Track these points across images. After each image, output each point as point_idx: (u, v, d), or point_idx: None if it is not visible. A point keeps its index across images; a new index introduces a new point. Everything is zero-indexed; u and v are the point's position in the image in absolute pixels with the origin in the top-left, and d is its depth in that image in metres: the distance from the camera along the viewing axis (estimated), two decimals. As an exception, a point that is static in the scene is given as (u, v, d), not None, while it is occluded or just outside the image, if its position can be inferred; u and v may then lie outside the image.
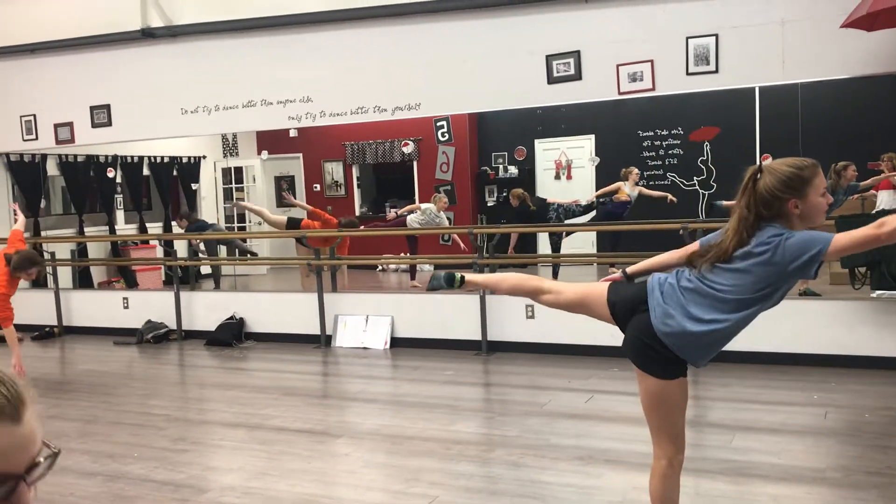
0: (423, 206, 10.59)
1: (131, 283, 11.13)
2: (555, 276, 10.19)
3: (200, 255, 11.21)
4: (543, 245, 11.88)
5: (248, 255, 11.43)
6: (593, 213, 10.33)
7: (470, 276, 3.19)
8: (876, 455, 4.14)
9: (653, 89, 6.42)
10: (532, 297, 3.09)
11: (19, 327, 8.92)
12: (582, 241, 11.90)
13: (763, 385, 5.62)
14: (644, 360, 2.76)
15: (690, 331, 2.64)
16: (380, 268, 12.61)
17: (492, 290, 3.15)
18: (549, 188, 12.93)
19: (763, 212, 2.56)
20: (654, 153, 12.15)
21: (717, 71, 6.20)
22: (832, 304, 6.20)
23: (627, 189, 10.28)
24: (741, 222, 2.59)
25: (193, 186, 13.13)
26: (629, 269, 2.97)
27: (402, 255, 11.14)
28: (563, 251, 10.42)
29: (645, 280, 2.83)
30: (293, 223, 9.21)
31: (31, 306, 9.21)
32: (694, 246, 2.85)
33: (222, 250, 11.95)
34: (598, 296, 2.88)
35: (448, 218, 11.13)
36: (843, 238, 2.48)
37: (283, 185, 9.78)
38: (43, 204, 11.16)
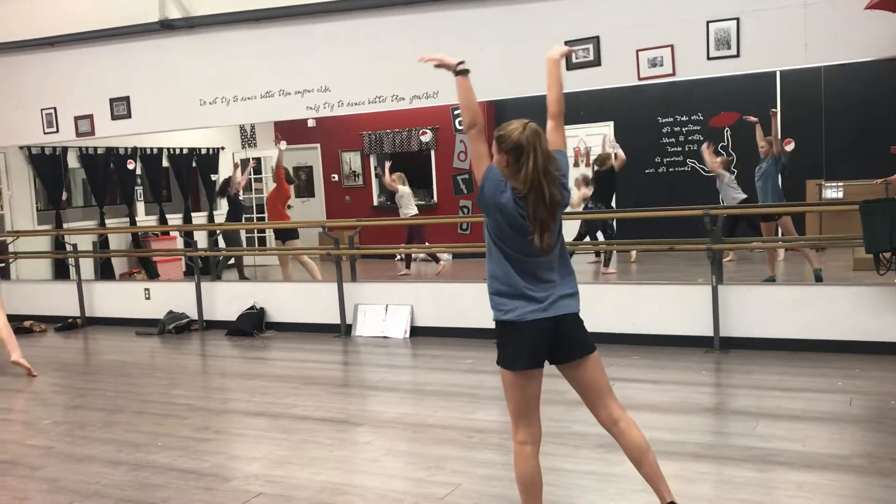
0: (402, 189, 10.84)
1: (152, 274, 11.21)
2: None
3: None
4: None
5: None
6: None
7: None
8: (902, 442, 4.10)
9: (673, 75, 6.36)
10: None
11: (42, 318, 9.08)
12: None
13: (786, 372, 5.57)
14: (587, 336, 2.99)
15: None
16: (398, 257, 12.60)
17: None
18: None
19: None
20: (673, 139, 12.06)
21: (738, 55, 6.13)
22: (856, 290, 6.13)
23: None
24: None
25: (213, 177, 13.20)
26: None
27: (424, 244, 11.16)
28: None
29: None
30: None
31: (54, 298, 9.31)
32: None
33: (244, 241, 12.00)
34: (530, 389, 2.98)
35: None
36: None
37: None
38: (64, 196, 11.26)
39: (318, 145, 14.00)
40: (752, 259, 10.25)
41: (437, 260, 10.71)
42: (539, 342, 2.88)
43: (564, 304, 2.91)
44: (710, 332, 6.26)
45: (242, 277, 11.03)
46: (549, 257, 2.87)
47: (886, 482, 3.59)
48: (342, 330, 7.71)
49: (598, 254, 10.57)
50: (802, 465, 3.83)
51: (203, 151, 13.07)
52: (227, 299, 8.43)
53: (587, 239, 10.37)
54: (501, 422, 4.87)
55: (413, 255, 11.27)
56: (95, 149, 11.29)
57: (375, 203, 13.79)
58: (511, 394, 2.97)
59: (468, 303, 7.35)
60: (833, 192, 10.55)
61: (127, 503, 3.80)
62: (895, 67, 9.49)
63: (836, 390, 5.08)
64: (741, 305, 6.29)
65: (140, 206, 12.26)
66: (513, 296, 2.89)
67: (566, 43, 6.60)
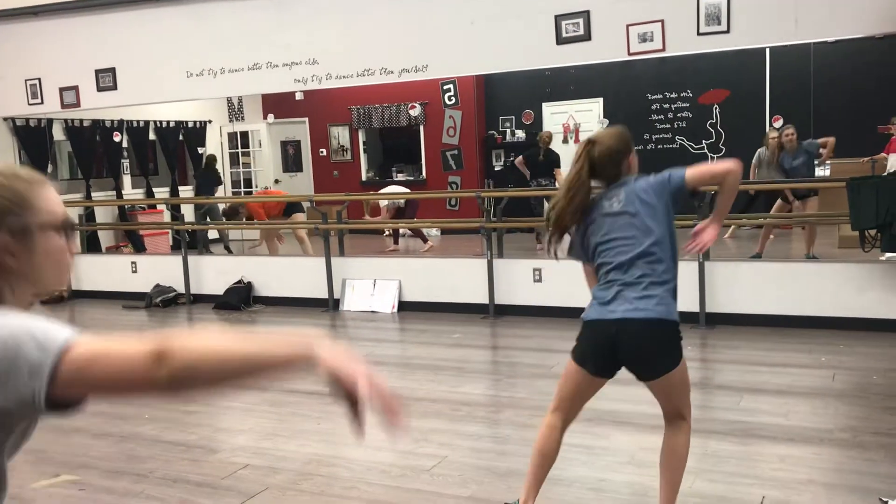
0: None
1: (139, 248, 11.16)
2: (538, 240, 10.32)
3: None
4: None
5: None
6: None
7: None
8: (883, 416, 4.16)
9: (663, 50, 6.33)
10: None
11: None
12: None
13: (771, 347, 5.61)
14: (669, 360, 2.84)
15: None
16: (386, 233, 12.58)
17: None
18: (557, 152, 12.83)
19: (610, 172, 2.94)
20: (662, 116, 12.05)
21: (728, 31, 6.10)
22: (841, 267, 6.17)
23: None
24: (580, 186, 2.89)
25: (200, 151, 13.10)
26: None
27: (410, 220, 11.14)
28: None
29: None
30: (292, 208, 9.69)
31: (40, 271, 9.24)
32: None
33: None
34: (572, 378, 3.04)
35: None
36: (694, 168, 2.96)
37: None
38: (50, 169, 11.14)
39: (307, 119, 13.90)
40: (740, 236, 10.29)
41: (424, 239, 10.70)
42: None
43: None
44: (696, 308, 6.30)
45: (227, 250, 11.03)
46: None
47: (868, 455, 3.64)
48: (330, 304, 7.71)
49: None
50: (785, 439, 3.87)
51: (190, 125, 12.96)
52: (214, 273, 8.41)
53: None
54: (487, 395, 4.91)
55: (401, 231, 11.27)
56: (81, 121, 11.17)
57: (364, 178, 13.74)
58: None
59: (456, 278, 7.36)
60: (820, 169, 10.58)
61: (114, 474, 3.81)
62: (884, 45, 9.51)
63: (820, 366, 5.13)
64: (727, 281, 6.32)
65: (127, 180, 12.17)
66: None
67: (556, 17, 6.58)
